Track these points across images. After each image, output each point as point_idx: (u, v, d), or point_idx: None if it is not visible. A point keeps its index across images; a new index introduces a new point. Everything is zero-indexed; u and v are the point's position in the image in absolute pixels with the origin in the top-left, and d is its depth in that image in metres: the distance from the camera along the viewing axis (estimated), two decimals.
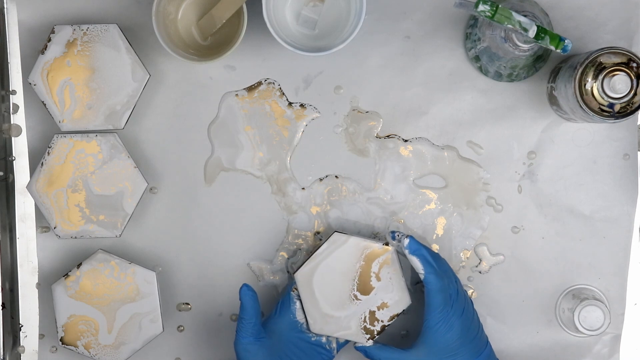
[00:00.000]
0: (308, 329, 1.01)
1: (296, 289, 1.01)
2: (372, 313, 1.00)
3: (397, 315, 1.00)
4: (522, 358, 1.06)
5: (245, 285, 0.98)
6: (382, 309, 1.00)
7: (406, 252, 0.98)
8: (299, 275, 1.01)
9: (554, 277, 1.06)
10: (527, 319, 1.06)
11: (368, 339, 1.00)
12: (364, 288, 1.00)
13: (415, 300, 1.02)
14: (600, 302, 1.01)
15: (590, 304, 1.01)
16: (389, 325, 1.01)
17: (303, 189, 1.06)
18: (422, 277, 0.97)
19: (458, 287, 0.99)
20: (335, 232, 1.01)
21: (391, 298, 1.00)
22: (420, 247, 0.98)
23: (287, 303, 1.01)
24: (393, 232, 1.00)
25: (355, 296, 1.00)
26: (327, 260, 1.01)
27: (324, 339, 1.02)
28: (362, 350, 1.01)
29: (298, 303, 1.01)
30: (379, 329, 1.00)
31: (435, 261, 0.98)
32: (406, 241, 0.98)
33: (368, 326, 1.00)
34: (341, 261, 1.01)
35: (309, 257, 1.01)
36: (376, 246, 1.00)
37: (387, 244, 1.01)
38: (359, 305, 1.00)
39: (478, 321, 1.00)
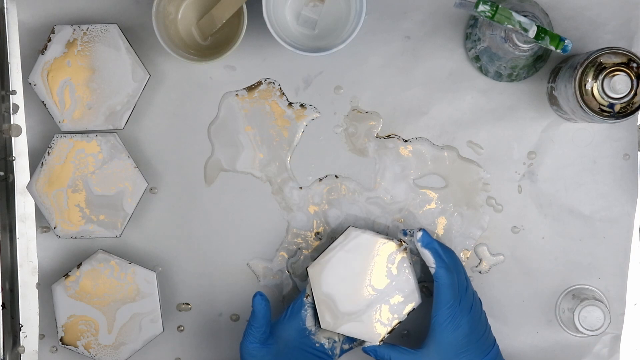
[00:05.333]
0: (319, 327, 1.01)
1: (309, 295, 1.01)
2: (385, 308, 1.00)
3: (408, 313, 1.00)
4: (522, 358, 1.06)
5: (258, 293, 0.97)
6: (397, 304, 1.00)
7: (418, 245, 0.98)
8: (312, 270, 1.00)
9: (554, 277, 1.06)
10: (527, 319, 1.06)
11: (380, 340, 1.00)
12: (379, 281, 1.00)
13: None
14: (600, 302, 1.01)
15: (590, 304, 1.01)
16: (401, 322, 1.00)
17: (300, 188, 1.06)
18: (432, 270, 0.97)
19: (467, 283, 0.98)
20: (350, 227, 1.01)
21: (403, 293, 1.00)
22: (432, 241, 0.98)
23: (297, 308, 1.01)
24: (405, 230, 1.00)
25: (370, 289, 1.00)
26: (341, 254, 1.00)
27: (327, 345, 1.01)
28: (372, 350, 1.00)
29: (309, 310, 1.01)
30: (391, 325, 1.00)
31: (447, 256, 0.98)
32: (419, 234, 0.98)
33: (381, 322, 1.00)
34: (356, 255, 1.00)
35: (322, 251, 1.01)
36: (391, 242, 1.00)
37: (400, 241, 1.00)
38: (374, 299, 1.00)
39: (486, 320, 1.00)
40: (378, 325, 1.00)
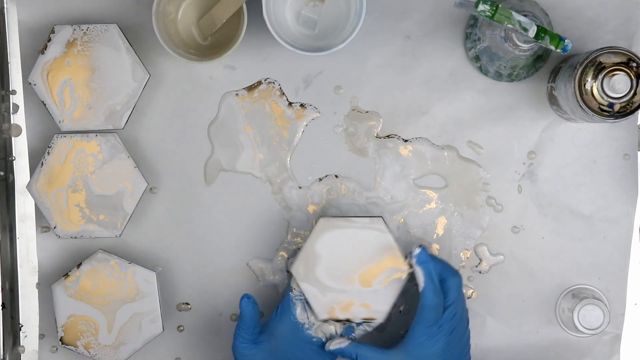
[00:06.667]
0: (313, 321, 1.01)
1: (294, 288, 1.01)
2: (351, 303, 0.99)
3: (365, 321, 0.99)
4: (522, 358, 1.06)
5: (245, 295, 0.97)
6: (363, 309, 0.99)
7: (413, 260, 0.97)
8: (323, 221, 0.99)
9: (554, 277, 1.06)
10: (527, 319, 1.06)
11: (342, 341, 0.99)
12: (366, 280, 0.99)
13: (415, 301, 1.02)
14: (600, 301, 1.01)
15: (589, 302, 1.01)
16: (352, 323, 0.99)
17: (300, 188, 1.06)
18: (420, 289, 0.96)
19: (457, 309, 0.96)
20: (381, 218, 1.00)
21: (376, 306, 0.99)
22: (428, 261, 0.96)
23: (286, 305, 1.01)
24: (410, 253, 0.98)
25: (352, 280, 0.99)
26: (355, 231, 0.99)
27: (324, 340, 1.01)
28: (339, 352, 0.99)
29: (299, 303, 1.01)
30: (342, 318, 0.99)
31: (448, 277, 0.96)
32: (417, 250, 0.97)
33: (338, 310, 0.99)
34: (365, 243, 0.99)
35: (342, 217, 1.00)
36: (401, 259, 0.99)
37: (406, 258, 0.99)
38: (349, 289, 0.99)
39: (467, 342, 0.98)
40: (331, 310, 0.99)
